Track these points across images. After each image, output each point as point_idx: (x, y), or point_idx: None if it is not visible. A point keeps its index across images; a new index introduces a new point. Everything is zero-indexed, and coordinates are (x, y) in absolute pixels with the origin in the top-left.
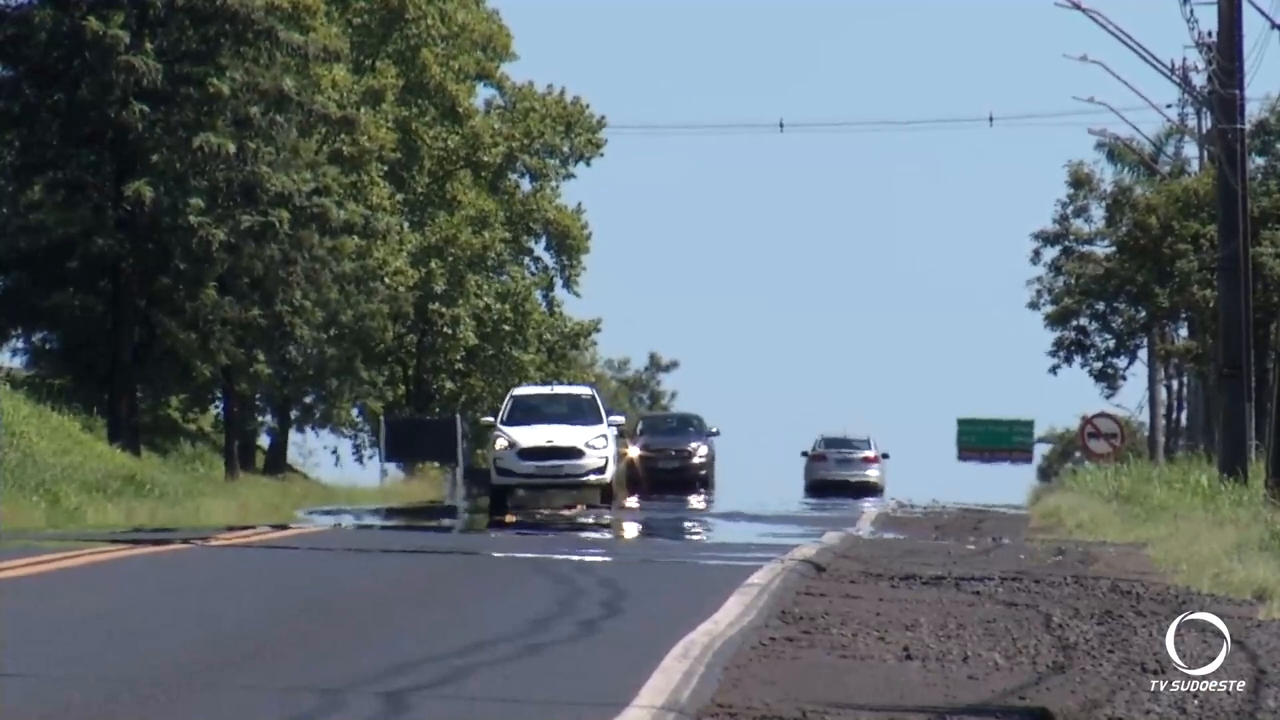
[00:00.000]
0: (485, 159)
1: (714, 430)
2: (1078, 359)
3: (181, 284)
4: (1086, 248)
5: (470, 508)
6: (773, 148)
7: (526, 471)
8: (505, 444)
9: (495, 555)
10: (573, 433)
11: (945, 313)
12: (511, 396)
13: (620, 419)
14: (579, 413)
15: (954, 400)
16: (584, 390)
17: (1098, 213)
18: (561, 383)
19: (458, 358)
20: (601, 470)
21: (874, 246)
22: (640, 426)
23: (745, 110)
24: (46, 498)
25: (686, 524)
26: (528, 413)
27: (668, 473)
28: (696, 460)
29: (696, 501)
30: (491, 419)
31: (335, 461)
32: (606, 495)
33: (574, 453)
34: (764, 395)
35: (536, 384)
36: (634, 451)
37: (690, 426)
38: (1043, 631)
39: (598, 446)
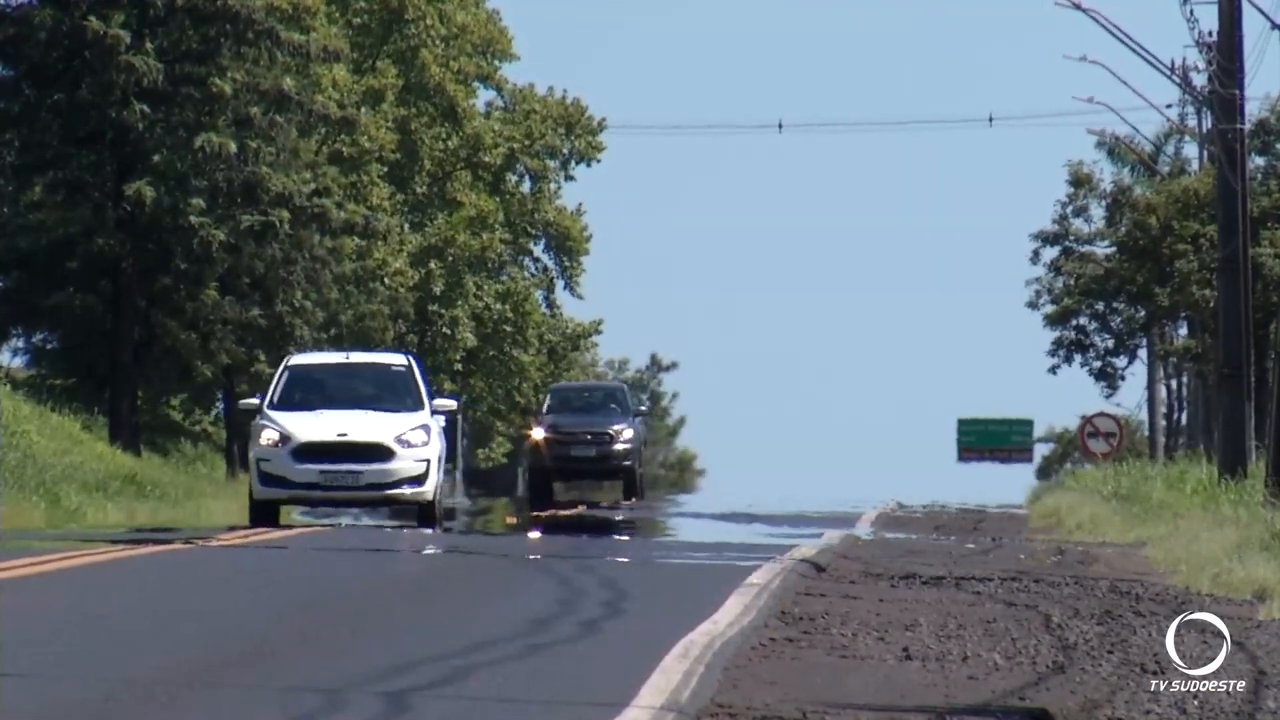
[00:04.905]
0: (485, 160)
1: (641, 408)
2: (1077, 359)
3: (182, 284)
4: (1086, 248)
5: (471, 509)
6: (772, 148)
7: (306, 480)
8: (275, 438)
9: (496, 556)
10: (378, 422)
11: (945, 313)
12: (287, 368)
13: (451, 404)
14: (389, 394)
15: (954, 400)
16: (397, 359)
17: (1097, 213)
18: (359, 349)
19: (458, 358)
20: (420, 480)
21: (873, 246)
22: (548, 402)
23: (745, 110)
24: (46, 498)
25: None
26: (311, 392)
27: (582, 462)
28: (620, 446)
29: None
30: (257, 400)
31: None
32: (426, 515)
33: (379, 452)
34: (764, 395)
35: (324, 350)
36: (539, 434)
37: (612, 402)
38: (1043, 631)
39: (415, 444)
